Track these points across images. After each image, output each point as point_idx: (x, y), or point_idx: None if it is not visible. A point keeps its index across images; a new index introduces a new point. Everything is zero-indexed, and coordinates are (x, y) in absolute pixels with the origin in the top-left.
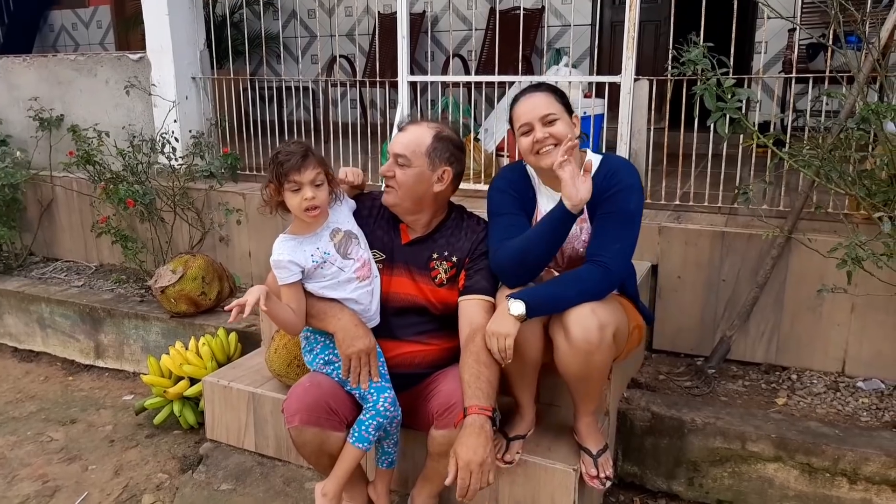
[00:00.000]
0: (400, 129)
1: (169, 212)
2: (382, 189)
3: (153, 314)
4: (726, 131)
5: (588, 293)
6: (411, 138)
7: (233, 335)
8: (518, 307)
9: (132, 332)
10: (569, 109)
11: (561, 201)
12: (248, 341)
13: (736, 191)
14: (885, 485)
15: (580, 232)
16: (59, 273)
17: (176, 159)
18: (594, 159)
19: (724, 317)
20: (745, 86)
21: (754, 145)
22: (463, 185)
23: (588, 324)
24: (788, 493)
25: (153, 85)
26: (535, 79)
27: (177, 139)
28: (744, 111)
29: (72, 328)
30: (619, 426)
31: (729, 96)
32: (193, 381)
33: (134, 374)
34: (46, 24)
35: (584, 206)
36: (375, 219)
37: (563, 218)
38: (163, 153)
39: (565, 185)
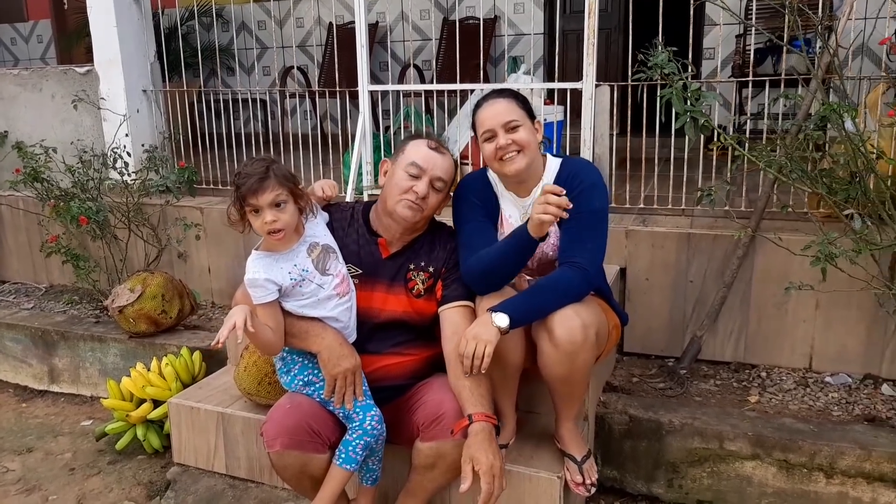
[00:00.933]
0: (435, 149)
1: (123, 229)
2: (349, 200)
3: (110, 335)
4: (693, 134)
5: (568, 297)
6: (449, 165)
7: (197, 354)
8: (502, 319)
9: (88, 354)
10: (531, 115)
11: (526, 226)
12: (213, 360)
13: (698, 192)
14: (860, 477)
15: (549, 235)
16: (7, 296)
17: (129, 174)
18: (554, 163)
19: (692, 317)
20: None
21: (715, 148)
22: None
23: (572, 324)
24: (767, 490)
25: (102, 98)
26: (497, 86)
27: (129, 153)
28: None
29: (23, 353)
30: (598, 430)
31: (694, 100)
32: (157, 404)
33: (92, 399)
34: None
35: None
36: (346, 231)
37: (528, 244)
38: (114, 168)
39: (536, 225)
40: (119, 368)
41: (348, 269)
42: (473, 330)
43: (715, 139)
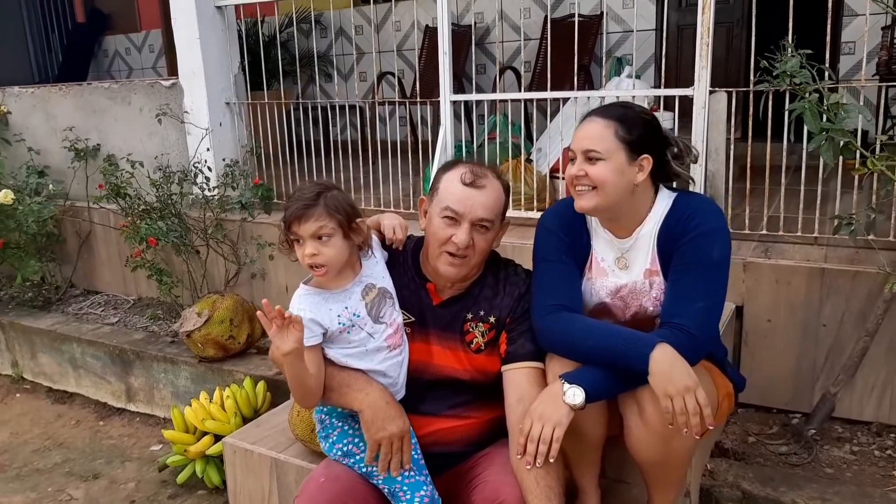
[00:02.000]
0: (471, 185)
1: (204, 245)
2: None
3: (181, 357)
4: (831, 159)
5: None
6: (494, 198)
7: (261, 385)
8: (576, 396)
9: (161, 375)
10: (635, 148)
11: (650, 353)
12: (279, 391)
13: (836, 220)
14: None
15: (649, 287)
16: (97, 308)
17: (209, 189)
18: (665, 200)
19: (824, 368)
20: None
21: (857, 168)
22: (513, 213)
23: None
24: None
25: (186, 112)
26: (592, 94)
27: (210, 168)
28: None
29: (103, 370)
30: None
31: (833, 114)
32: (218, 437)
33: (164, 420)
34: (101, 49)
35: (653, 254)
36: (401, 272)
37: (635, 365)
38: (195, 183)
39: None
40: (189, 392)
41: (403, 317)
42: (539, 407)
43: (857, 159)
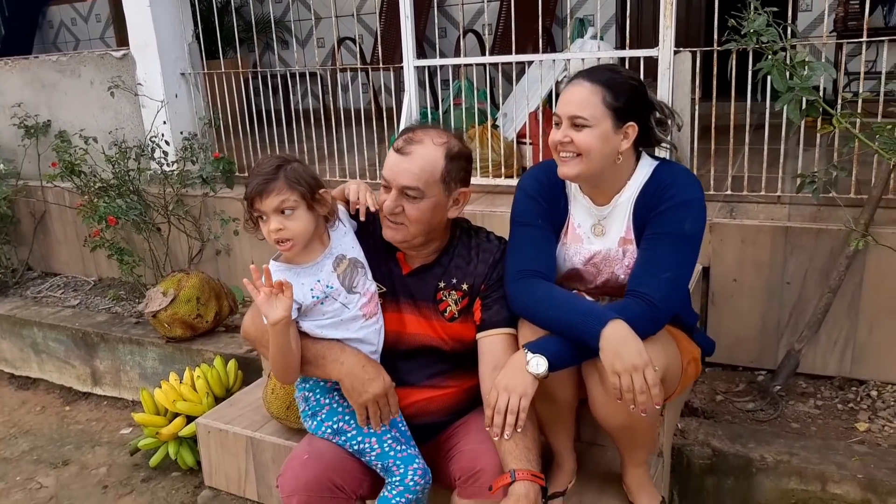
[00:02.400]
0: (398, 151)
1: (165, 222)
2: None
3: (148, 338)
4: (798, 117)
5: None
6: (421, 165)
7: (232, 363)
8: (539, 364)
9: (128, 357)
10: (621, 115)
11: (601, 326)
12: (250, 368)
13: (798, 178)
14: None
15: (622, 255)
16: (56, 290)
17: (168, 164)
18: (645, 168)
19: (789, 325)
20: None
21: (819, 125)
22: (481, 181)
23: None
24: None
25: (139, 84)
26: (557, 56)
27: (167, 142)
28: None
29: (66, 354)
30: (675, 464)
31: (799, 72)
32: (190, 418)
33: (133, 403)
34: (45, 20)
35: (628, 223)
36: (370, 243)
37: (590, 338)
38: (153, 158)
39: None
40: (158, 373)
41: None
42: (504, 378)
43: (820, 117)
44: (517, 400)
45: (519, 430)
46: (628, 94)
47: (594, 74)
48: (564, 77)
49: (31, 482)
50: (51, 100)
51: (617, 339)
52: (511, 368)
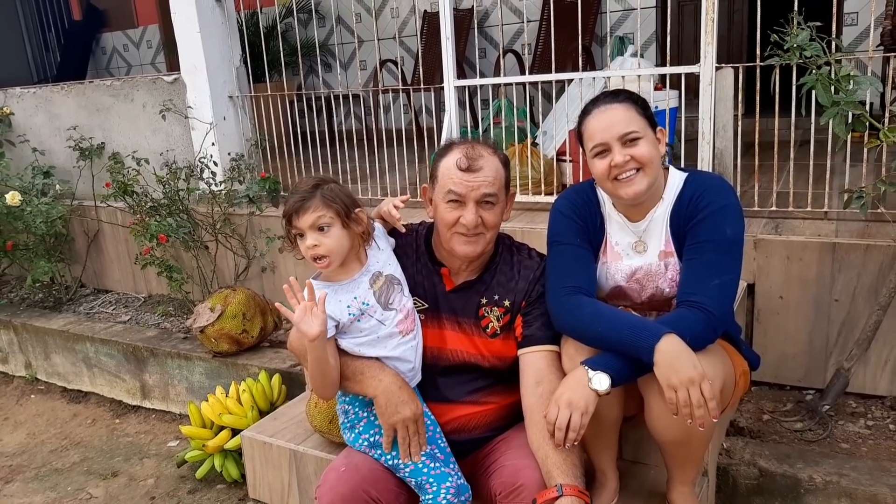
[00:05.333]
0: (469, 169)
1: (213, 241)
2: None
3: (195, 353)
4: (844, 132)
5: (688, 346)
6: (493, 173)
7: (276, 378)
8: (601, 382)
9: (176, 372)
10: (653, 123)
11: (655, 343)
12: (294, 383)
13: (845, 194)
14: None
15: (665, 268)
16: (108, 307)
17: (216, 184)
18: (676, 179)
19: (837, 343)
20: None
21: (866, 139)
22: (521, 198)
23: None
24: None
25: (189, 107)
26: (598, 74)
27: (216, 163)
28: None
29: (117, 368)
30: (720, 484)
31: (844, 86)
32: (236, 431)
33: (180, 416)
34: (99, 46)
35: (667, 235)
36: (410, 258)
37: (642, 353)
38: (202, 178)
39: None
40: (205, 387)
41: (414, 304)
42: (565, 394)
43: (867, 132)
44: (579, 416)
45: (576, 444)
46: (646, 105)
47: (612, 97)
48: None
49: (82, 493)
50: (104, 123)
51: (671, 353)
52: (572, 384)
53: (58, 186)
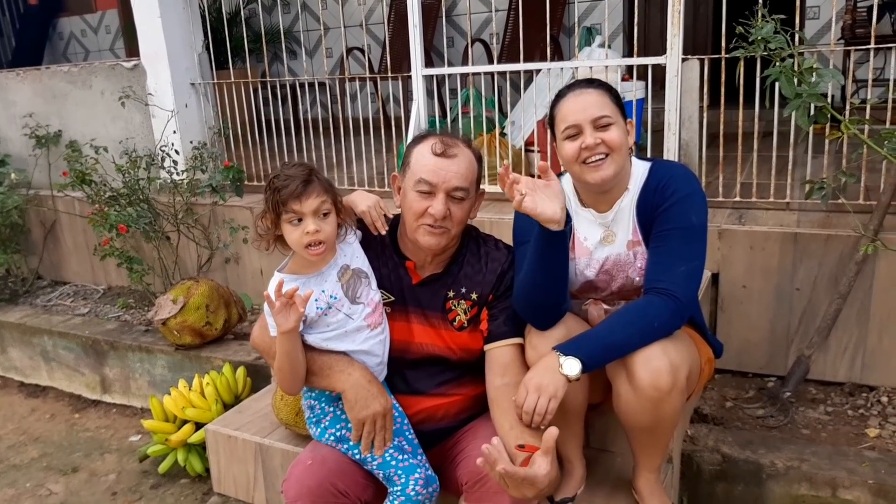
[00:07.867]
0: (443, 154)
1: (175, 231)
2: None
3: (157, 346)
4: (806, 124)
5: (656, 331)
6: (466, 166)
7: (240, 371)
8: (572, 367)
9: (137, 365)
10: (623, 112)
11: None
12: (259, 376)
13: (807, 185)
14: None
15: (633, 257)
16: (66, 299)
17: (177, 173)
18: (640, 168)
19: (798, 331)
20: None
21: (828, 130)
22: (489, 189)
23: (658, 365)
24: None
25: (149, 94)
26: (566, 65)
27: (177, 151)
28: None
29: (76, 361)
30: (684, 471)
31: (807, 79)
32: (199, 425)
33: (142, 410)
34: (56, 32)
35: (634, 225)
36: (379, 251)
37: (547, 241)
38: (163, 167)
39: (529, 209)
40: (167, 381)
41: (382, 297)
42: (535, 378)
43: (829, 123)
44: (546, 401)
45: (545, 427)
46: (618, 95)
47: (586, 83)
48: None
49: (41, 489)
50: (61, 110)
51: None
52: (543, 369)
53: (13, 175)
